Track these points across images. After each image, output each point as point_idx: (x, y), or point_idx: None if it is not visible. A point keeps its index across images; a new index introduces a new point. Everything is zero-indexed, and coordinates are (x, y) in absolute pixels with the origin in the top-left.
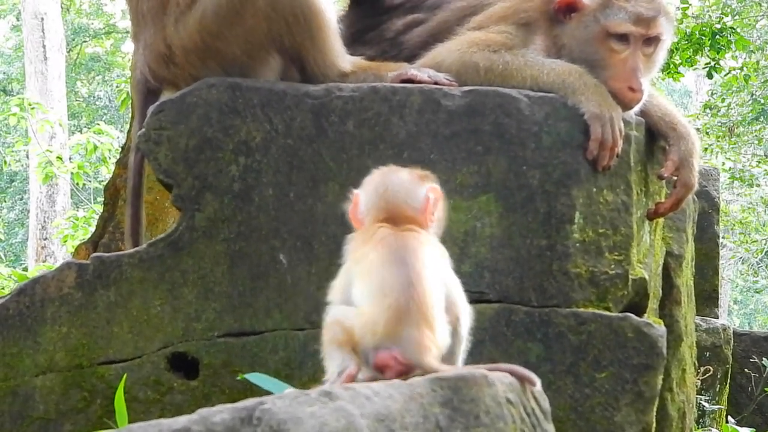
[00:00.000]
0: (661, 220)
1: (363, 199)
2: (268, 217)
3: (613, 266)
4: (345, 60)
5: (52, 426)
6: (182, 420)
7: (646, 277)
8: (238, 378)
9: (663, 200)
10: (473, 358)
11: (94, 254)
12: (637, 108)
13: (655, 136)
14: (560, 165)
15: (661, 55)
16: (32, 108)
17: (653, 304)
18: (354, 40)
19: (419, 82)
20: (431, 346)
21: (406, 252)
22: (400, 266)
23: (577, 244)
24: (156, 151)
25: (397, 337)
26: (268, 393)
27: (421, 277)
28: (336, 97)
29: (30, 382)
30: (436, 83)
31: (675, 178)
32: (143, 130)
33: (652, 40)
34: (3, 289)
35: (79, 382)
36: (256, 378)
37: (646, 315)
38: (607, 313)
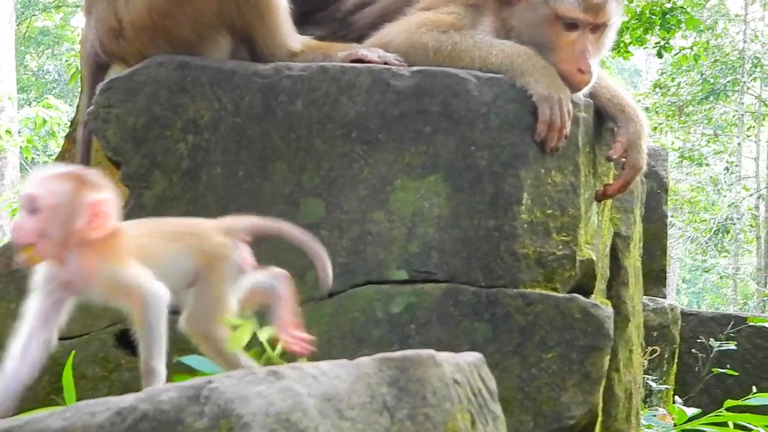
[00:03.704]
0: (609, 201)
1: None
2: (216, 196)
3: (560, 247)
4: (294, 39)
5: None
6: (130, 398)
7: (594, 258)
8: (173, 361)
9: (611, 182)
10: (421, 337)
11: None
12: (585, 90)
13: (604, 117)
14: (508, 146)
15: (610, 37)
16: None
17: (601, 285)
18: (304, 20)
19: (368, 61)
20: None
21: None
22: None
23: (525, 225)
24: (104, 129)
25: None
26: (216, 373)
27: None
28: (285, 77)
29: None
30: (385, 63)
31: (623, 159)
32: (92, 107)
33: (600, 26)
34: None
35: None
36: (191, 360)
37: (593, 296)
38: (554, 293)
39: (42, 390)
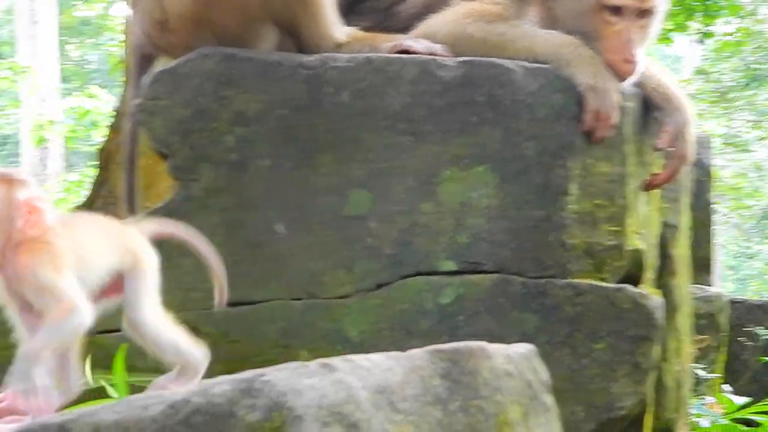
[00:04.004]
0: (657, 190)
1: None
2: (264, 188)
3: (609, 237)
4: (340, 31)
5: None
6: (182, 391)
7: (643, 248)
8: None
9: (658, 171)
10: (471, 328)
11: None
12: (632, 79)
13: (650, 107)
14: (555, 136)
15: (656, 25)
16: (24, 71)
17: (650, 274)
18: (348, 11)
19: (414, 52)
20: None
21: None
22: None
23: (573, 216)
24: (151, 121)
25: None
26: (265, 364)
27: None
28: (331, 68)
29: None
30: (431, 54)
31: (671, 149)
32: (139, 100)
33: (646, 12)
34: None
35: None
36: None
37: (642, 286)
38: (603, 284)
39: (94, 382)
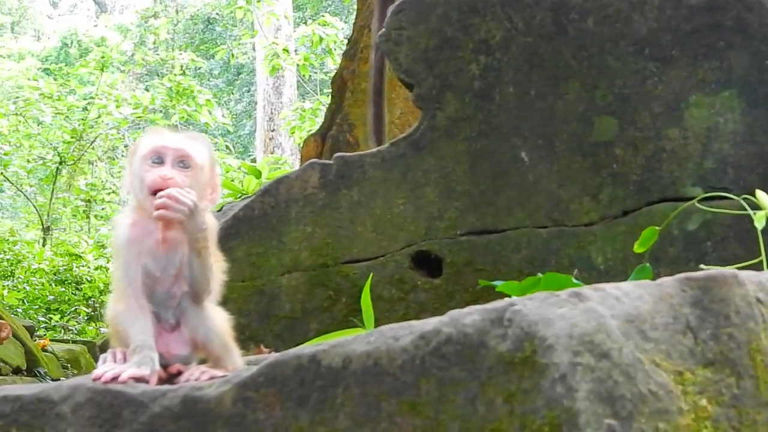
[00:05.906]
0: None
1: None
2: (509, 116)
3: None
4: None
5: (298, 324)
6: (433, 321)
7: None
8: (479, 285)
9: None
10: (718, 255)
11: (337, 154)
12: None
13: None
14: None
15: None
16: (258, 1)
17: None
18: None
19: None
20: None
21: None
22: None
23: None
24: (396, 51)
25: None
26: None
27: None
28: None
29: (276, 281)
30: None
31: None
32: (384, 30)
33: None
34: (233, 181)
35: (323, 281)
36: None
37: None
38: None
39: (339, 312)
